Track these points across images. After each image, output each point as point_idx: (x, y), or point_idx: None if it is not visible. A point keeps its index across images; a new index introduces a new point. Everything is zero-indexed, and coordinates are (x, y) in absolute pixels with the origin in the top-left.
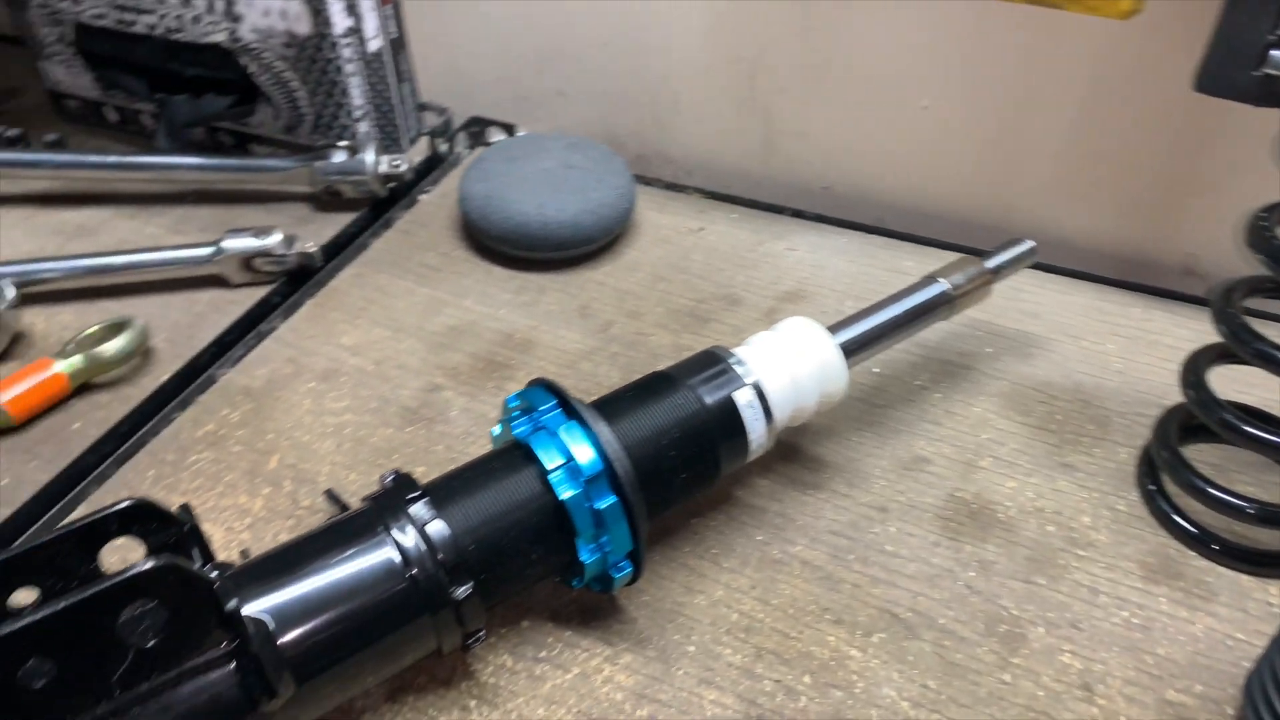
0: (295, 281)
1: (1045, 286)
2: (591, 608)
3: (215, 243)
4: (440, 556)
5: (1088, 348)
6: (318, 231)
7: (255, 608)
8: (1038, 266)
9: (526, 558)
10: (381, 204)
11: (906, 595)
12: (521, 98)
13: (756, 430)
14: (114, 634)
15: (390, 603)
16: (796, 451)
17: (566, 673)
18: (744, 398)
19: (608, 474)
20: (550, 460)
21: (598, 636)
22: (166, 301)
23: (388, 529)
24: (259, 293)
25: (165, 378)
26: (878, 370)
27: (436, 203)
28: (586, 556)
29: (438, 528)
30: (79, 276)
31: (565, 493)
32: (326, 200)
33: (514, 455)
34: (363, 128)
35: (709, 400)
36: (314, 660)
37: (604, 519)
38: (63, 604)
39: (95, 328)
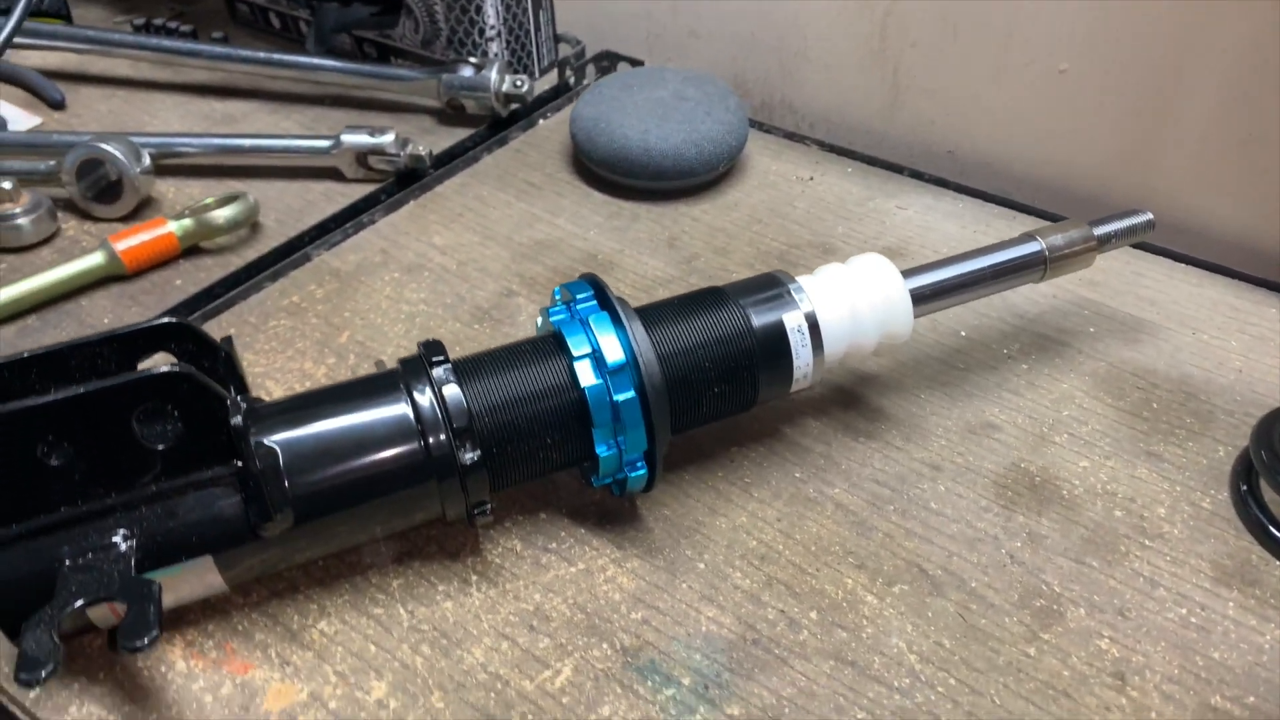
0: (403, 182)
1: (1173, 276)
2: (611, 512)
3: (335, 136)
4: (453, 421)
5: (1206, 341)
6: (435, 142)
7: (269, 439)
8: (1168, 254)
9: (541, 441)
10: (500, 123)
11: (940, 553)
12: (655, 35)
13: (802, 358)
14: (129, 431)
15: (398, 457)
16: (857, 399)
17: (571, 566)
18: (793, 322)
19: (632, 369)
20: (577, 347)
21: (610, 538)
22: (284, 187)
23: (408, 389)
24: (368, 189)
25: (265, 251)
26: (964, 334)
27: (553, 129)
28: (602, 450)
29: (454, 393)
30: (210, 154)
31: (586, 380)
32: (450, 114)
33: (546, 342)
34: (494, 48)
35: (757, 321)
36: (317, 498)
37: (622, 414)
38: (81, 389)
39: (211, 199)
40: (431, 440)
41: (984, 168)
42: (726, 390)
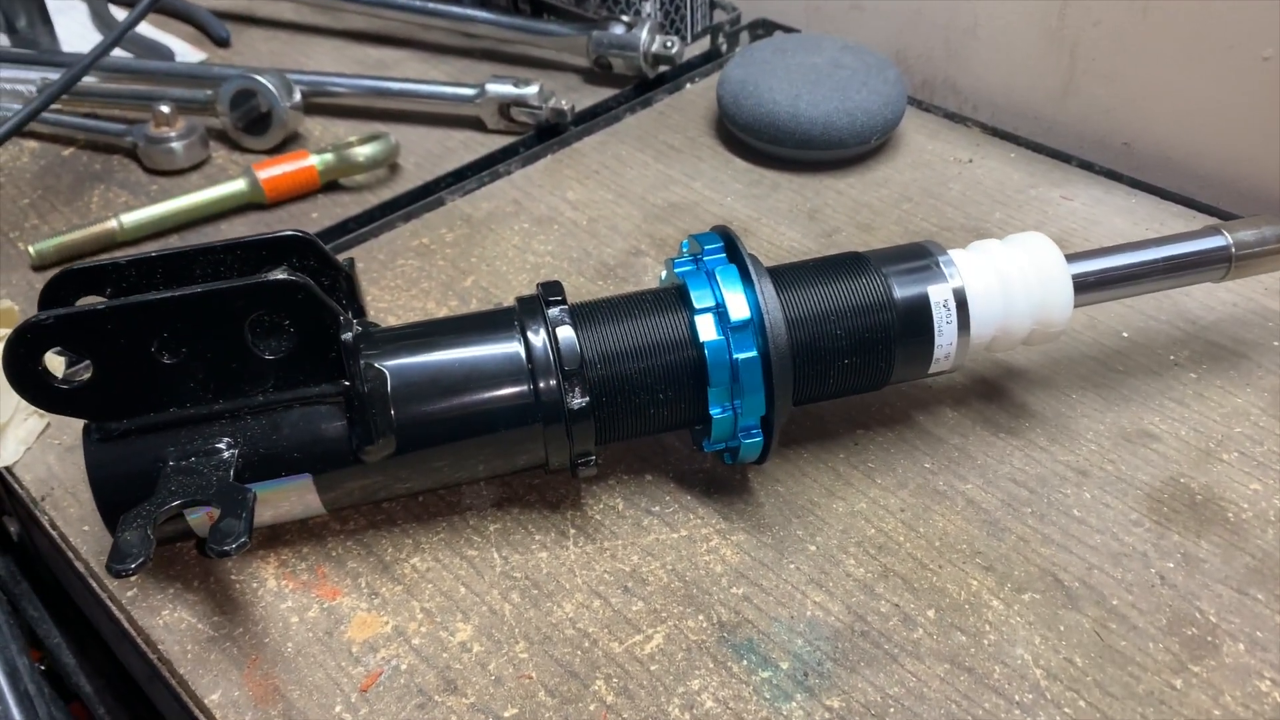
0: (543, 136)
1: None
2: (721, 481)
3: (480, 85)
4: (564, 364)
5: None
6: (579, 99)
7: (379, 363)
8: None
9: (653, 395)
10: (647, 85)
11: (1079, 564)
12: (815, 7)
13: (945, 337)
14: (242, 337)
15: (505, 396)
16: (1000, 393)
17: (674, 531)
18: (939, 296)
19: (756, 329)
20: (700, 300)
21: (717, 508)
22: (426, 133)
23: (523, 327)
24: (508, 140)
25: (401, 192)
26: (1126, 335)
27: (700, 93)
28: (716, 412)
29: (567, 335)
30: (358, 95)
31: (707, 335)
32: (597, 74)
33: (668, 294)
34: (647, 8)
35: (899, 291)
36: (421, 428)
37: (740, 373)
38: (199, 289)
39: (354, 138)
40: (541, 383)
41: (1164, 162)
42: (858, 364)
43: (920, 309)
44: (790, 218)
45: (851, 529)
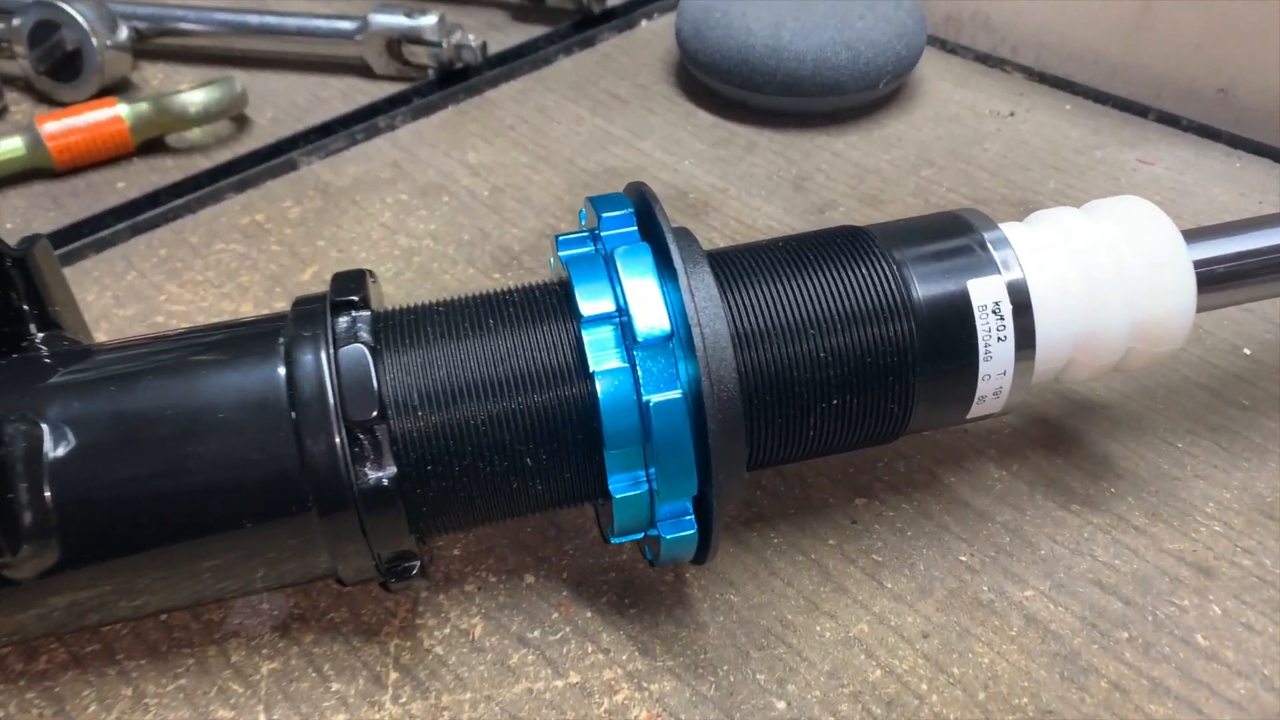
0: (447, 83)
1: None
2: (642, 586)
3: (363, 17)
4: (350, 412)
5: None
6: (504, 40)
7: (37, 414)
8: None
9: (516, 461)
10: (590, 21)
11: None
12: None
13: (996, 361)
14: None
15: (249, 467)
16: (1070, 440)
17: (559, 675)
18: (986, 294)
19: (680, 349)
20: (591, 302)
21: (632, 634)
22: (297, 81)
23: (289, 350)
24: (402, 88)
25: (243, 153)
26: (1249, 351)
27: (659, 32)
28: (620, 487)
29: (358, 360)
30: (211, 34)
31: (599, 362)
32: (528, 8)
33: (545, 294)
34: None
35: (922, 288)
36: (101, 523)
37: (654, 427)
38: None
39: (187, 84)
40: (311, 443)
41: (1277, 114)
42: (854, 406)
43: (956, 316)
44: (769, 188)
45: (844, 669)
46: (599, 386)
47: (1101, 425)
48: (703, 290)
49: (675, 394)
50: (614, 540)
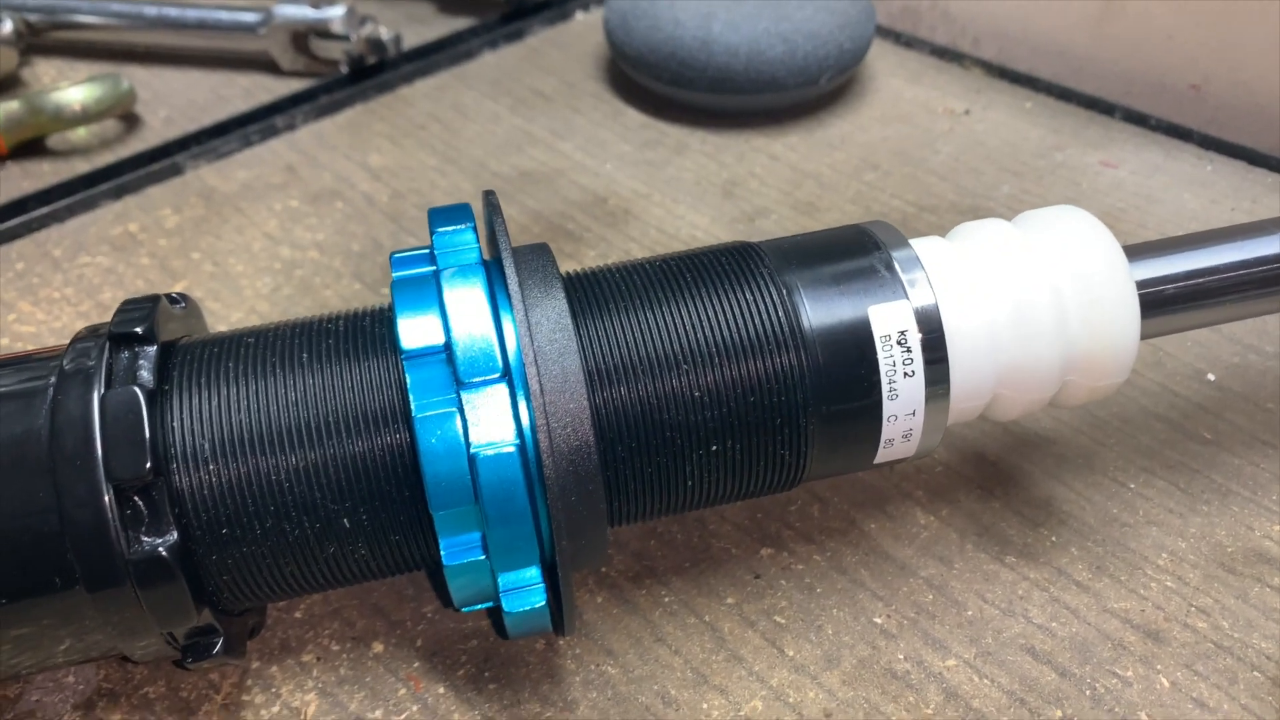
0: (358, 79)
1: None
2: (507, 657)
3: (267, 9)
4: (116, 469)
5: None
6: (425, 33)
7: None
8: None
9: (330, 520)
10: (521, 12)
11: None
12: None
13: (905, 396)
14: None
15: (5, 521)
16: (1010, 478)
17: None
18: (889, 322)
19: (514, 389)
20: (413, 334)
21: (489, 715)
22: (200, 79)
23: (57, 390)
24: (310, 84)
25: (127, 156)
26: (1214, 378)
27: (593, 24)
28: (450, 553)
29: (126, 401)
30: (105, 27)
31: (421, 407)
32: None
33: (374, 321)
34: None
35: (814, 315)
36: None
37: (481, 482)
38: None
39: (67, 81)
40: (70, 502)
41: (1252, 113)
42: (738, 451)
43: (854, 348)
44: (697, 193)
45: None
46: (419, 435)
47: (1045, 463)
48: (550, 318)
49: (507, 445)
50: (462, 608)
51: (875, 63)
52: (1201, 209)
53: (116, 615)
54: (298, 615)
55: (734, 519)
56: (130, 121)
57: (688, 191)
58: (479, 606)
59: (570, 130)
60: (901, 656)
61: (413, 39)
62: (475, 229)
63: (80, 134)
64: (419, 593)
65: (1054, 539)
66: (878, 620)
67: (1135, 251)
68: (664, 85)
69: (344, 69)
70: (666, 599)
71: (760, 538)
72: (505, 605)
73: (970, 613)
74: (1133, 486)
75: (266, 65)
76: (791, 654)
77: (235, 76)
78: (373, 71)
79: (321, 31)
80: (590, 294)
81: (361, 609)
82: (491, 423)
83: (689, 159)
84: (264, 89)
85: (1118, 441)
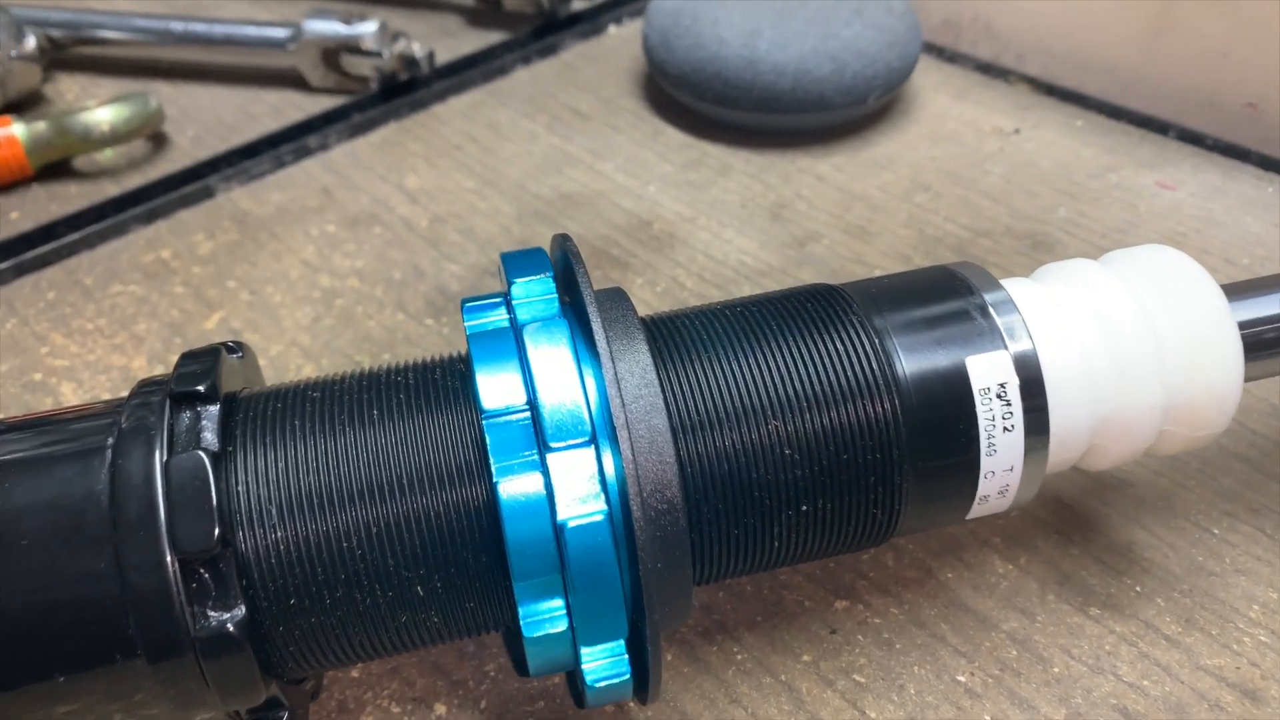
0: (390, 96)
1: None
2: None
3: (297, 24)
4: (182, 540)
5: None
6: (456, 47)
7: None
8: None
9: (403, 588)
10: (552, 26)
11: None
12: None
13: (1003, 451)
14: None
15: (62, 609)
16: (1088, 523)
17: None
18: (988, 373)
19: (610, 446)
20: (493, 392)
21: None
22: (227, 96)
23: (116, 452)
24: (341, 102)
25: (154, 179)
26: None
27: (627, 39)
28: (530, 625)
29: (193, 469)
30: (131, 42)
31: (503, 471)
32: (484, 12)
33: (446, 372)
34: None
35: (908, 363)
36: None
37: (569, 552)
38: None
39: (95, 100)
40: (134, 574)
41: None
42: (829, 511)
43: (951, 400)
44: (744, 217)
45: None
46: (501, 499)
47: (1123, 506)
48: (636, 373)
49: (597, 515)
50: (534, 673)
51: (919, 79)
52: (1265, 232)
53: (176, 690)
54: (354, 675)
55: (805, 569)
56: (158, 141)
57: (734, 214)
58: (550, 672)
59: (610, 150)
60: (988, 718)
61: (443, 54)
62: (554, 277)
63: (108, 155)
64: (480, 649)
65: (1138, 589)
66: (961, 679)
67: (1233, 291)
68: (707, 105)
69: (375, 86)
70: (739, 656)
71: (834, 589)
72: (588, 678)
73: (1057, 669)
74: (1216, 532)
75: (295, 81)
76: (874, 715)
77: (263, 93)
78: (405, 89)
79: (352, 48)
80: (670, 342)
81: (421, 668)
82: (578, 488)
83: (733, 180)
84: (294, 106)
85: (1198, 484)
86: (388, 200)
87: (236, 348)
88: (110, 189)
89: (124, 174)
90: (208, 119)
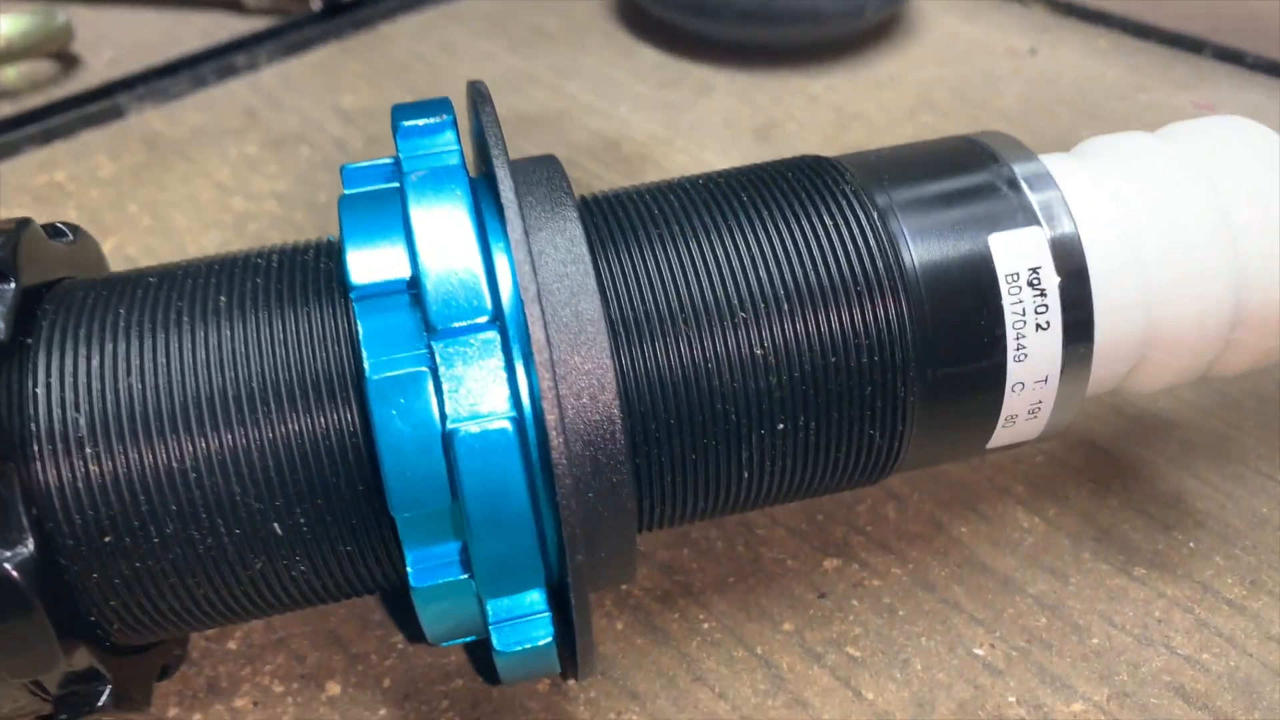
0: (334, 15)
1: None
2: (501, 701)
3: None
4: None
5: None
6: None
7: None
8: None
9: (254, 524)
10: None
11: None
12: None
13: (1036, 356)
14: None
15: None
16: (1129, 469)
17: None
18: (1017, 256)
19: (512, 337)
20: (364, 266)
21: None
22: (149, 20)
23: None
24: (276, 24)
25: (60, 98)
26: None
27: None
28: (418, 571)
29: None
30: None
31: (378, 365)
32: None
33: (320, 253)
34: None
35: (917, 248)
36: None
37: (465, 474)
38: None
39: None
40: None
41: None
42: (814, 432)
43: (971, 291)
44: (726, 137)
45: None
46: (373, 405)
47: (1169, 450)
48: (560, 246)
49: (499, 419)
50: (443, 642)
51: None
52: None
53: None
54: (231, 646)
55: (787, 522)
56: (67, 62)
57: (715, 136)
58: (462, 640)
59: (576, 69)
60: (1014, 699)
61: None
62: (457, 131)
63: (10, 75)
64: (386, 617)
65: (1191, 545)
66: (979, 652)
67: None
68: (686, 17)
69: (317, 5)
70: (706, 625)
71: (822, 545)
72: (496, 642)
73: (1096, 641)
74: (1277, 477)
75: (230, 3)
76: (871, 697)
77: (192, 16)
78: (350, 7)
79: None
80: (614, 219)
81: (314, 638)
82: (477, 386)
83: (716, 100)
84: (225, 29)
85: (1256, 424)
86: (320, 121)
87: (67, 230)
88: (4, 108)
89: (24, 97)
90: (128, 41)
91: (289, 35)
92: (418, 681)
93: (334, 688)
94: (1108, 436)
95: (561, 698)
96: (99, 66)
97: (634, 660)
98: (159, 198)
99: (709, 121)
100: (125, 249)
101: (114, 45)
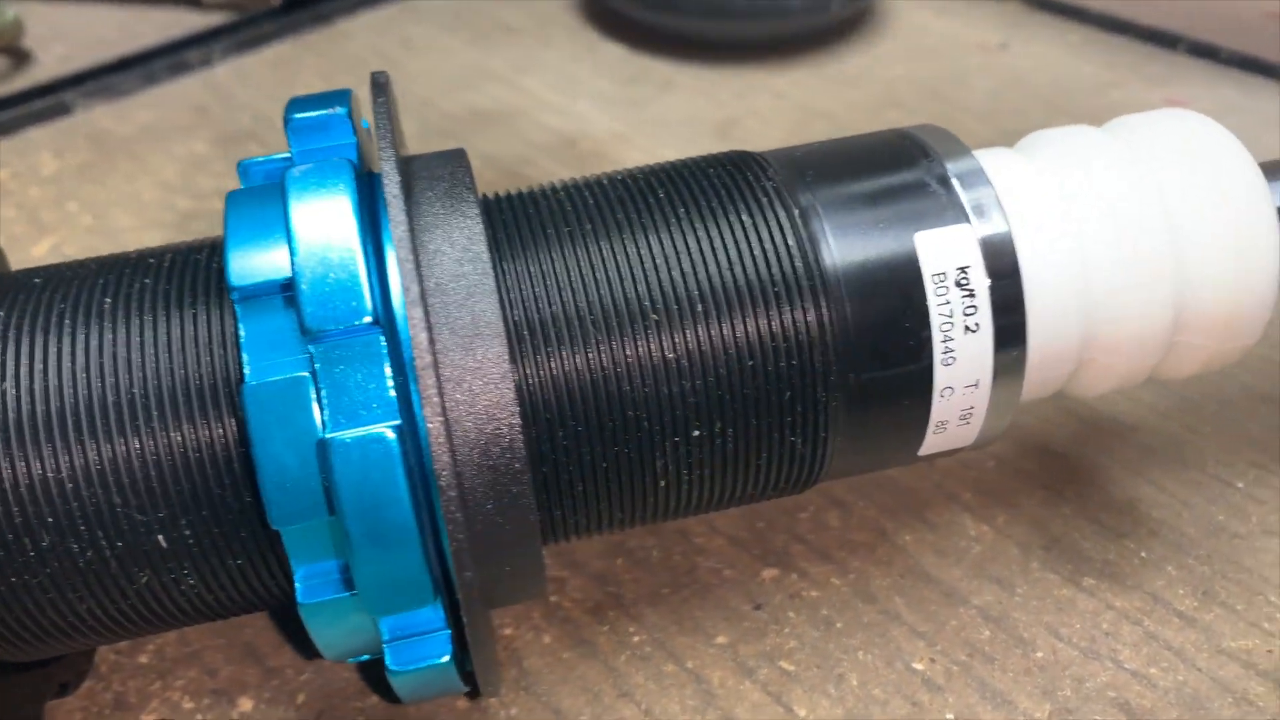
0: (291, 10)
1: None
2: (416, 718)
3: None
4: None
5: None
6: None
7: None
8: None
9: (138, 536)
10: None
11: None
12: None
13: (965, 359)
14: None
15: None
16: (1083, 475)
17: None
18: (944, 255)
19: (403, 341)
20: (245, 265)
21: None
22: (103, 15)
23: None
24: (231, 19)
25: (4, 95)
26: None
27: None
28: (307, 590)
29: None
30: None
31: (258, 373)
32: None
33: (209, 252)
34: None
35: (839, 248)
36: None
37: (341, 484)
38: None
39: None
40: None
41: None
42: (731, 439)
43: (895, 292)
44: (685, 135)
45: None
46: (249, 412)
47: (1126, 455)
48: (457, 245)
49: (379, 428)
50: (347, 659)
51: None
52: None
53: None
54: (143, 660)
55: (727, 530)
56: (17, 58)
57: (674, 133)
58: (363, 659)
59: (536, 65)
60: (951, 716)
61: None
62: (353, 124)
63: None
64: (302, 631)
65: (1144, 554)
66: (918, 666)
67: (1273, 171)
68: (648, 11)
69: (276, 1)
70: (636, 639)
71: (761, 554)
72: (390, 661)
73: (1041, 654)
74: (1241, 486)
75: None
76: (803, 714)
77: (149, 12)
78: (309, 2)
79: None
80: (522, 218)
81: (229, 651)
82: (355, 394)
83: (677, 96)
84: (181, 26)
85: (1216, 429)
86: (272, 119)
87: None
88: None
89: None
90: (82, 37)
91: (246, 31)
92: (333, 698)
93: (246, 703)
94: (1063, 440)
95: (481, 715)
96: (50, 62)
97: (560, 675)
98: (100, 196)
99: (670, 118)
100: (63, 249)
101: (67, 41)
